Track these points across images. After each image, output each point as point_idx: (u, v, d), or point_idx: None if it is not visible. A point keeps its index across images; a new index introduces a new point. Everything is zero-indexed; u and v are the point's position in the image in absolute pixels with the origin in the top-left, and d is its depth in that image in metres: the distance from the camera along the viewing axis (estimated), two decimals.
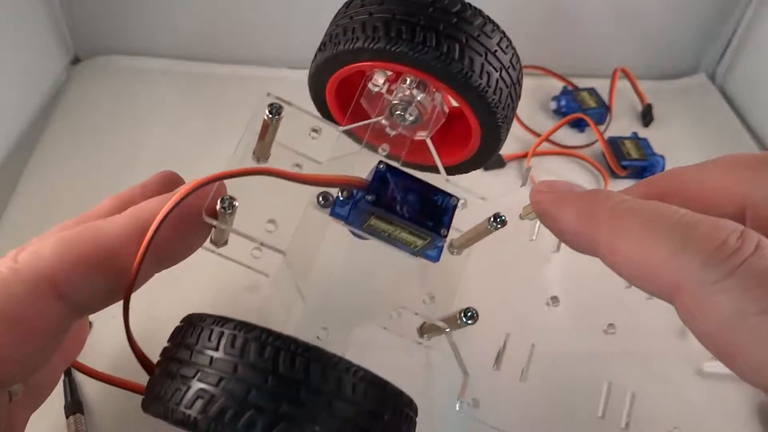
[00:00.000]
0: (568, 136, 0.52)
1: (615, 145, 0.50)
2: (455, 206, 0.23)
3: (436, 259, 0.24)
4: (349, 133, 0.27)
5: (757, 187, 0.18)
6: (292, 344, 0.18)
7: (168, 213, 0.20)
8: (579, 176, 0.50)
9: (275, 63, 0.55)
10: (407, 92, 0.25)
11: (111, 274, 0.21)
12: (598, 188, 0.19)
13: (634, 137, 0.51)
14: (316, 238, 0.25)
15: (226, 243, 0.25)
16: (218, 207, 0.22)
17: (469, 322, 0.24)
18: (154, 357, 0.21)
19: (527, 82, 0.62)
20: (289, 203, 0.23)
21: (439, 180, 0.26)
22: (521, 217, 0.23)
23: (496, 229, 0.24)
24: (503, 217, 0.24)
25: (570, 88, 0.55)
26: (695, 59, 0.61)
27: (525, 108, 0.54)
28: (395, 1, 0.23)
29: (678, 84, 0.60)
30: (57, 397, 0.32)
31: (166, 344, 0.21)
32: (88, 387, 0.33)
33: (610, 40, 0.58)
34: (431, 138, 0.26)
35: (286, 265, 0.24)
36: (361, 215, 0.23)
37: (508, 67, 0.24)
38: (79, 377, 0.33)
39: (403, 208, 0.22)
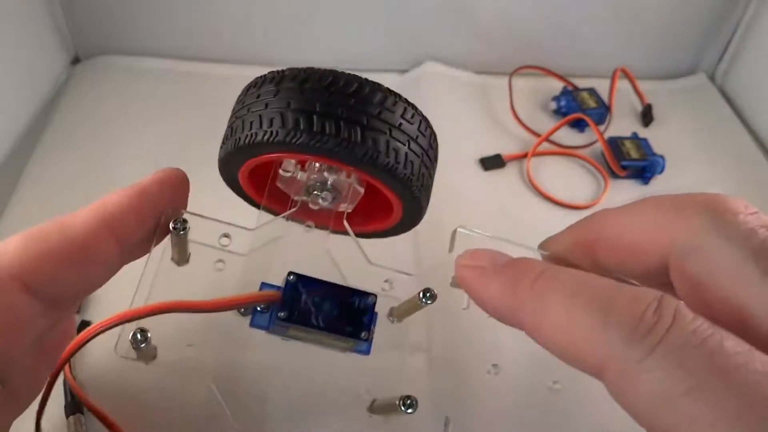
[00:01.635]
0: (568, 136, 0.52)
1: (615, 145, 0.50)
2: (374, 304, 0.23)
3: (366, 352, 0.24)
4: (270, 210, 0.27)
5: (676, 236, 0.18)
6: None
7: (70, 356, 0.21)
8: (579, 176, 0.50)
9: (275, 63, 0.55)
10: (319, 174, 0.25)
11: (78, 267, 0.21)
12: (521, 258, 0.19)
13: (634, 137, 0.51)
14: (242, 347, 0.25)
15: (155, 358, 0.24)
16: (130, 342, 0.21)
17: (409, 411, 0.23)
18: None
19: (527, 82, 0.62)
20: (207, 318, 0.22)
21: (372, 247, 0.26)
22: (451, 286, 0.23)
23: (427, 304, 0.24)
24: (433, 292, 0.24)
25: (570, 88, 0.55)
26: (695, 59, 0.61)
27: (525, 108, 0.54)
28: (290, 89, 0.23)
29: (678, 84, 0.60)
30: (57, 397, 0.32)
31: None
32: (88, 387, 0.33)
33: (610, 40, 0.58)
34: (356, 208, 0.26)
35: (214, 388, 0.24)
36: (281, 326, 0.23)
37: (417, 137, 0.23)
38: (80, 377, 0.33)
39: (319, 317, 0.22)
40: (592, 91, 0.54)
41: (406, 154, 0.23)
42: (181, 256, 0.25)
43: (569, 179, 0.49)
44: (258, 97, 0.24)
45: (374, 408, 0.25)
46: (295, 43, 0.56)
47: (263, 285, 0.24)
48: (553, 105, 0.54)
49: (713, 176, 0.50)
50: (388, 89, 0.23)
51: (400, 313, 0.25)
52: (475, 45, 0.57)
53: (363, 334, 0.22)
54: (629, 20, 0.57)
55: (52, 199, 0.43)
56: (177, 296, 0.23)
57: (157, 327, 0.22)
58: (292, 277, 0.22)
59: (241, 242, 0.25)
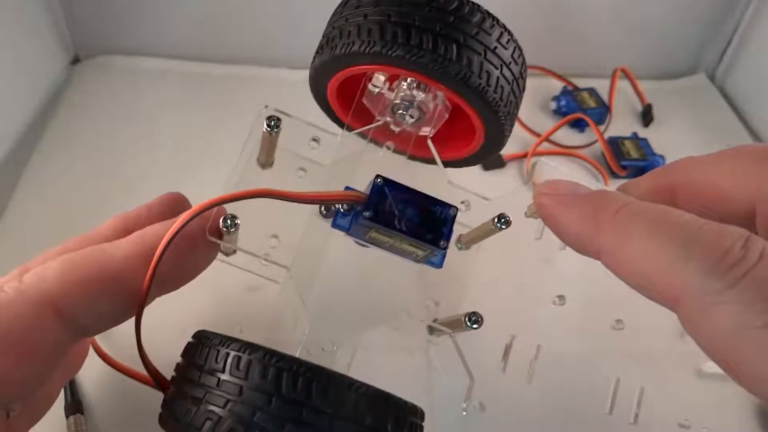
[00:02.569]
0: (568, 136, 0.52)
1: (615, 145, 0.50)
2: (454, 216, 0.23)
3: (439, 265, 0.24)
4: (355, 130, 0.27)
5: (766, 184, 0.18)
6: (294, 365, 0.19)
7: (171, 240, 0.21)
8: (579, 176, 0.49)
9: (275, 63, 0.55)
10: (407, 92, 0.25)
11: (114, 298, 0.21)
12: (602, 189, 0.19)
13: (634, 137, 0.51)
14: (320, 247, 0.25)
15: (234, 252, 0.25)
16: (221, 226, 0.22)
17: (474, 326, 0.24)
18: (163, 360, 0.21)
19: (527, 82, 0.62)
20: (291, 213, 0.23)
21: (444, 177, 0.26)
22: (526, 216, 0.23)
23: (501, 229, 0.24)
24: (507, 218, 0.24)
25: (570, 88, 0.55)
26: (695, 59, 0.61)
27: (525, 108, 0.54)
28: (391, 1, 0.23)
29: (678, 84, 0.60)
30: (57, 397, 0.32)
31: (178, 358, 0.21)
32: (88, 387, 0.33)
33: (610, 40, 0.58)
34: (436, 133, 0.26)
35: (290, 278, 0.24)
36: (362, 228, 0.23)
37: (509, 63, 0.24)
38: (79, 377, 0.33)
39: (401, 221, 0.22)
40: (592, 91, 0.54)
41: (498, 78, 0.23)
42: (267, 159, 0.25)
43: (569, 179, 0.49)
44: (357, 7, 0.24)
45: (436, 324, 0.26)
46: (296, 43, 0.56)
47: (346, 188, 0.24)
48: (553, 105, 0.54)
49: None
50: (487, 11, 0.23)
51: (469, 239, 0.26)
52: None
53: (441, 243, 0.23)
54: (629, 20, 0.57)
55: (52, 199, 0.43)
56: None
57: (243, 218, 0.22)
58: (379, 180, 0.22)
59: (326, 151, 0.25)
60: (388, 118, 0.26)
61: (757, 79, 0.56)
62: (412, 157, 0.27)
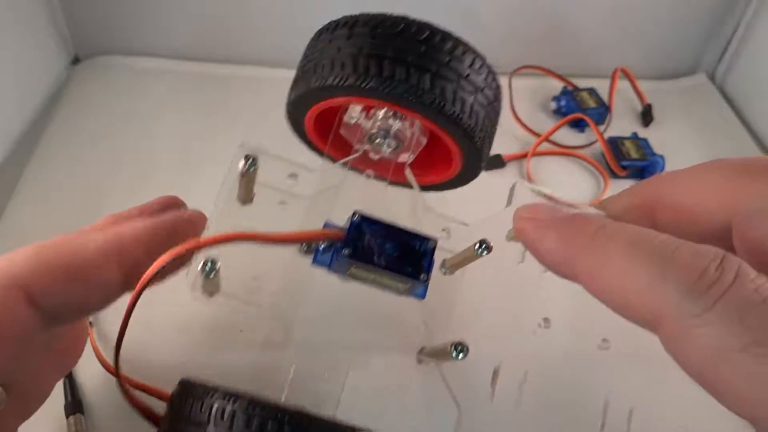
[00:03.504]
0: (568, 136, 0.52)
1: (615, 145, 0.50)
2: (434, 249, 0.23)
3: (422, 296, 0.24)
4: (334, 159, 0.27)
5: (741, 199, 0.18)
6: (279, 413, 0.19)
7: (147, 282, 0.20)
8: (579, 176, 0.50)
9: (275, 63, 0.55)
10: (384, 122, 0.25)
11: (83, 288, 0.21)
12: (580, 212, 0.19)
13: (634, 137, 0.51)
14: (303, 284, 0.25)
15: (218, 290, 0.25)
16: (200, 272, 0.22)
17: (460, 357, 0.24)
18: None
19: (527, 82, 0.62)
20: (272, 251, 0.23)
21: (423, 205, 0.26)
22: (507, 239, 0.23)
23: (482, 255, 0.24)
24: (488, 244, 0.24)
25: (570, 88, 0.55)
26: (695, 59, 0.61)
27: (525, 108, 0.54)
28: (363, 34, 0.23)
29: (678, 84, 0.60)
30: (57, 397, 0.32)
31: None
32: (88, 387, 0.33)
33: (610, 40, 0.58)
34: (415, 159, 0.26)
35: (275, 318, 0.24)
36: (342, 264, 0.23)
37: (483, 88, 0.24)
38: (79, 377, 0.33)
39: (381, 257, 0.22)
40: (592, 91, 0.54)
41: (472, 104, 0.23)
42: (247, 195, 0.25)
43: (569, 179, 0.49)
44: (330, 41, 0.24)
45: (423, 354, 0.26)
46: (295, 43, 0.56)
47: (326, 225, 0.24)
48: (553, 105, 0.54)
49: None
50: (458, 38, 0.23)
51: (452, 265, 0.25)
52: (475, 45, 0.57)
53: (422, 276, 0.23)
54: (629, 20, 0.57)
55: (52, 199, 0.43)
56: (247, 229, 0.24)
57: (223, 260, 0.22)
58: (357, 216, 0.23)
59: (305, 184, 0.25)
60: (367, 147, 0.26)
61: (757, 79, 0.56)
62: (393, 183, 0.27)
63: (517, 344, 0.27)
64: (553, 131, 0.50)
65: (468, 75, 0.23)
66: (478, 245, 0.24)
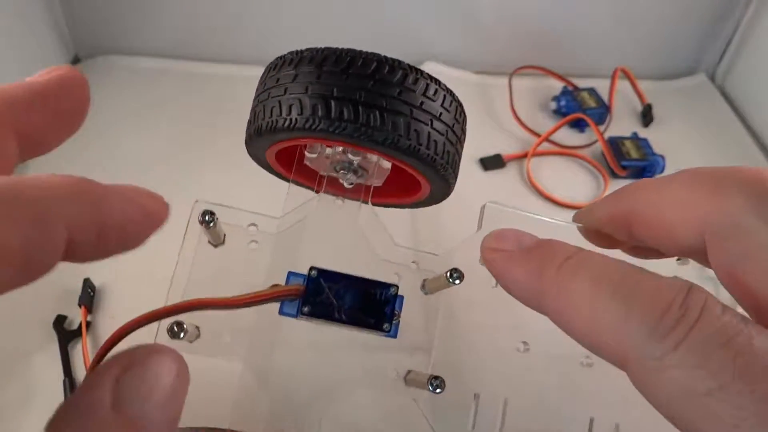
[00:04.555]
0: (568, 136, 0.52)
1: (615, 145, 0.50)
2: (395, 295, 0.23)
3: (393, 336, 0.24)
4: (300, 184, 0.27)
5: (713, 217, 0.17)
6: None
7: (108, 348, 0.19)
8: (579, 176, 0.50)
9: None
10: (343, 156, 0.25)
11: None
12: (546, 241, 0.18)
13: (634, 137, 0.51)
14: (273, 333, 0.25)
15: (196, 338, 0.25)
16: (168, 335, 0.22)
17: (438, 391, 0.23)
18: None
19: (527, 82, 0.62)
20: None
21: (390, 242, 0.26)
22: (481, 263, 0.23)
23: (455, 283, 0.24)
24: (460, 272, 0.24)
25: (570, 88, 0.55)
26: (695, 59, 0.61)
27: (525, 108, 0.54)
28: (308, 74, 0.22)
29: (678, 84, 0.60)
30: (57, 397, 0.32)
31: None
32: None
33: (610, 40, 0.58)
34: (385, 182, 0.26)
35: (247, 370, 0.24)
36: (307, 317, 0.23)
37: (440, 114, 0.23)
38: (79, 377, 0.33)
39: (341, 311, 0.22)
40: (592, 91, 0.54)
41: (429, 133, 0.23)
42: (216, 240, 0.25)
43: (569, 179, 0.49)
44: (277, 81, 0.23)
45: (408, 380, 0.25)
46: (295, 43, 0.56)
47: (290, 274, 0.24)
48: (553, 105, 0.54)
49: None
50: (408, 66, 0.22)
51: (432, 288, 0.25)
52: (475, 45, 0.57)
53: (385, 326, 0.22)
54: (629, 20, 0.57)
55: None
56: (215, 275, 0.24)
57: (190, 317, 0.22)
58: (314, 272, 0.22)
59: (270, 227, 0.25)
60: (333, 174, 0.26)
61: (757, 79, 0.56)
62: (365, 202, 0.26)
63: (497, 369, 0.27)
64: (553, 131, 0.50)
65: (422, 104, 0.22)
66: (449, 274, 0.24)
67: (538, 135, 0.51)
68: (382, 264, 0.26)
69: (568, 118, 0.51)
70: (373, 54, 0.22)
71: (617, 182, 0.49)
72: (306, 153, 0.25)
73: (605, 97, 0.54)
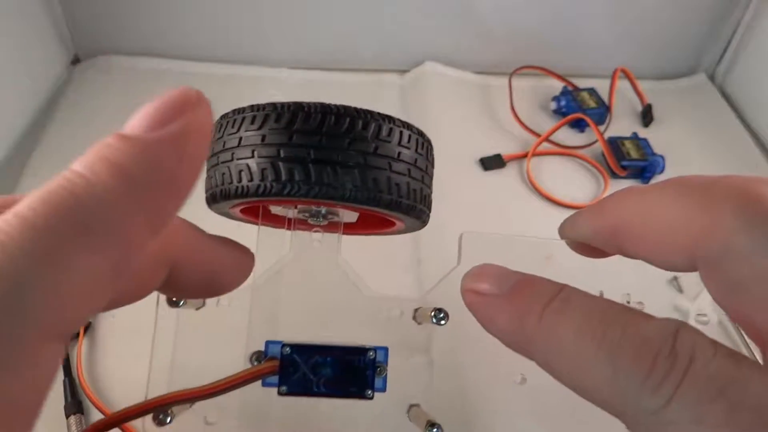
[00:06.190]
0: (568, 136, 0.52)
1: (615, 145, 0.50)
2: (374, 359, 0.22)
3: (382, 390, 0.23)
4: (270, 225, 0.27)
5: (703, 239, 0.16)
6: None
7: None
8: (579, 176, 0.50)
9: (275, 63, 0.56)
10: (309, 207, 0.24)
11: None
12: (528, 280, 0.17)
13: (634, 137, 0.51)
14: (261, 405, 0.25)
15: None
16: (154, 422, 0.22)
17: None
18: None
19: (527, 82, 0.62)
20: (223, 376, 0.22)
21: (371, 246, 0.25)
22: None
23: (440, 324, 0.23)
24: (445, 312, 0.23)
25: (570, 88, 0.55)
26: (695, 59, 0.61)
27: (525, 108, 0.54)
28: (252, 136, 0.21)
29: (678, 84, 0.60)
30: (57, 397, 0.32)
31: None
32: (87, 387, 0.33)
33: (610, 40, 0.58)
34: (360, 217, 0.25)
35: None
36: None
37: (399, 154, 0.22)
38: (79, 377, 0.33)
39: (320, 384, 0.22)
40: (592, 91, 0.54)
41: (389, 178, 0.21)
42: (198, 303, 0.25)
43: (569, 179, 0.49)
44: (224, 145, 0.22)
45: (411, 415, 0.25)
46: (295, 43, 0.56)
47: (268, 343, 0.23)
48: (553, 105, 0.54)
49: None
50: (355, 110, 0.21)
51: (423, 318, 0.25)
52: (475, 45, 0.57)
53: (367, 393, 0.22)
54: (629, 20, 0.57)
55: None
56: (200, 338, 0.23)
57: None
58: (287, 349, 0.22)
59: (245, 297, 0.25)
60: (302, 217, 0.25)
61: (757, 79, 0.56)
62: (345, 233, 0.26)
63: (496, 403, 0.27)
64: (553, 131, 0.50)
65: (377, 148, 0.21)
66: (433, 315, 0.23)
67: (538, 135, 0.51)
68: (367, 303, 0.25)
69: (568, 118, 0.51)
70: (318, 105, 0.21)
71: (617, 182, 0.49)
72: (270, 207, 0.25)
73: (605, 97, 0.54)
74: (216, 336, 0.24)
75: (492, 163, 0.49)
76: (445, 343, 0.25)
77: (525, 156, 0.49)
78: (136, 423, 0.22)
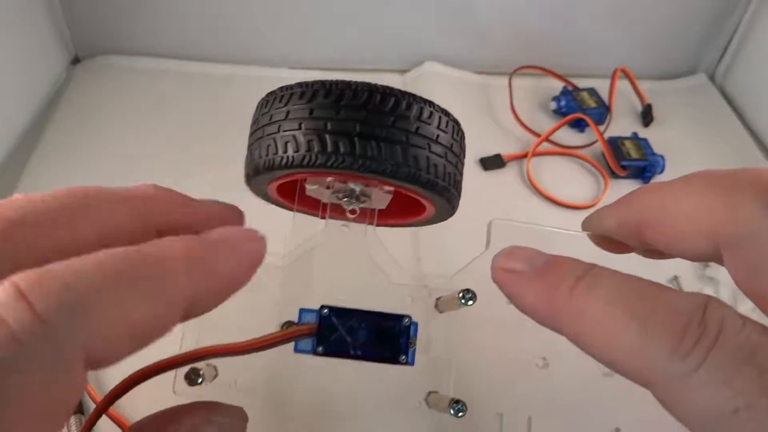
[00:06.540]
0: (568, 136, 0.52)
1: (615, 145, 0.50)
2: (409, 326, 0.23)
3: (411, 364, 0.24)
4: (304, 212, 0.27)
5: (725, 226, 0.16)
6: None
7: (113, 399, 0.19)
8: (579, 176, 0.50)
9: (275, 63, 0.55)
10: (344, 185, 0.25)
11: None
12: (558, 259, 0.18)
13: (634, 137, 0.51)
14: (290, 371, 0.25)
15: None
16: (186, 382, 0.22)
17: (460, 414, 0.23)
18: None
19: (527, 82, 0.62)
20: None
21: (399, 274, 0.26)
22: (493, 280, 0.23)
23: (468, 305, 0.24)
24: (472, 293, 0.24)
25: (570, 88, 0.55)
26: (695, 59, 0.61)
27: (525, 108, 0.54)
28: (300, 109, 0.22)
29: (678, 84, 0.60)
30: None
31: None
32: (89, 387, 0.33)
33: (610, 40, 0.58)
34: (390, 204, 0.26)
35: (268, 406, 0.24)
36: (322, 354, 0.23)
37: (437, 137, 0.23)
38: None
39: (356, 347, 0.22)
40: (592, 91, 0.54)
41: (428, 158, 0.23)
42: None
43: (569, 179, 0.49)
44: (271, 119, 0.23)
45: (430, 402, 0.25)
46: (295, 43, 0.56)
47: (302, 311, 0.24)
48: (553, 105, 0.54)
49: None
50: (400, 92, 0.22)
51: (445, 307, 0.25)
52: (475, 45, 0.57)
53: (401, 358, 0.22)
54: (629, 20, 0.57)
55: None
56: (225, 312, 0.23)
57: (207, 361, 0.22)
58: (325, 311, 0.22)
59: (276, 260, 0.25)
60: (336, 201, 0.26)
61: (757, 79, 0.56)
62: (377, 225, 0.26)
63: (518, 386, 0.27)
64: (553, 131, 0.50)
65: (418, 129, 0.22)
66: (461, 295, 0.24)
67: (538, 135, 0.51)
68: (394, 288, 0.25)
69: (568, 118, 0.51)
70: (364, 84, 0.22)
71: (617, 182, 0.49)
72: (306, 186, 0.25)
73: (605, 97, 0.54)
74: (245, 310, 0.24)
75: (492, 163, 0.49)
76: (466, 329, 0.26)
77: (525, 156, 0.49)
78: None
